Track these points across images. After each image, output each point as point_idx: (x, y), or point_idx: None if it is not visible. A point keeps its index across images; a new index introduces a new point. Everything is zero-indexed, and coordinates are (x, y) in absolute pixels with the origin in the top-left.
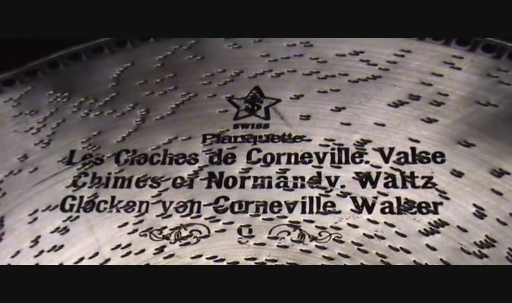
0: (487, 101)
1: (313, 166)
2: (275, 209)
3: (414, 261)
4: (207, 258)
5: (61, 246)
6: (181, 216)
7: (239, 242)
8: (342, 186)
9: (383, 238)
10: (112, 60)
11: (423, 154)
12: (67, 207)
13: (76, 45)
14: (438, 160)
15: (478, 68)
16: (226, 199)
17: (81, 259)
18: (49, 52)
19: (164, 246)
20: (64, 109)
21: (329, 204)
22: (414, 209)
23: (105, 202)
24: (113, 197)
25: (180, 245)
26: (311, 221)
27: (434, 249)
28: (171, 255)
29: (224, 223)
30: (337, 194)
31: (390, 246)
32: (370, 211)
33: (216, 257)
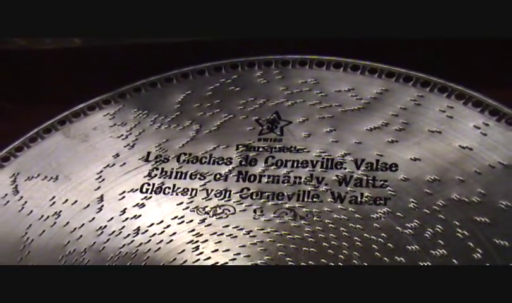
0: (435, 130)
1: (308, 170)
2: (280, 198)
3: (366, 236)
4: (232, 227)
5: (139, 215)
6: (218, 200)
7: (254, 218)
8: (326, 184)
9: (348, 220)
10: (178, 88)
11: (383, 165)
12: (144, 190)
13: (153, 75)
14: (393, 169)
15: (432, 104)
16: (248, 189)
17: (152, 224)
18: (135, 80)
19: (205, 218)
20: (144, 122)
21: (315, 196)
22: (371, 202)
23: (169, 188)
24: (174, 185)
25: (216, 219)
26: (303, 207)
27: (380, 229)
28: (209, 225)
29: (245, 206)
30: (322, 190)
31: (351, 225)
32: (342, 201)
33: (238, 227)
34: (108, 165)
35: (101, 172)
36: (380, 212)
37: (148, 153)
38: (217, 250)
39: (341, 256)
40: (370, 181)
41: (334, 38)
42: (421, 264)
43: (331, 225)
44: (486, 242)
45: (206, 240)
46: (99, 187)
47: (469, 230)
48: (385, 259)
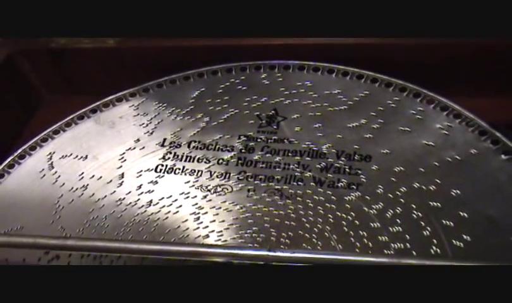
0: (406, 129)
1: (296, 158)
2: (270, 180)
3: (338, 214)
4: (229, 203)
5: (153, 190)
6: (219, 180)
7: (247, 196)
8: (310, 170)
9: (325, 200)
10: (194, 85)
11: (360, 156)
12: (158, 170)
13: (174, 73)
14: (367, 160)
15: (406, 107)
16: (245, 172)
17: (162, 198)
18: (158, 77)
19: (207, 195)
20: (162, 114)
21: (300, 179)
22: (346, 186)
23: (179, 169)
24: (183, 166)
25: (216, 195)
26: (289, 189)
27: (350, 209)
28: (210, 200)
29: (241, 186)
30: (306, 175)
31: (327, 205)
32: (321, 185)
33: (233, 203)
34: (130, 148)
35: (123, 153)
36: (352, 195)
37: (164, 140)
38: (214, 220)
39: (315, 229)
40: (347, 169)
41: (329, 44)
42: (380, 238)
43: (310, 204)
44: (435, 222)
45: (206, 212)
46: (121, 166)
47: (422, 212)
48: (351, 232)
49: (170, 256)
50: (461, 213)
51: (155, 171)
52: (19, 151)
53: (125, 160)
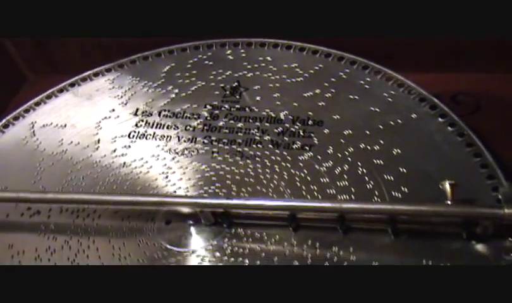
0: (355, 97)
1: (257, 124)
2: (233, 143)
3: (292, 172)
4: (195, 163)
5: (126, 154)
6: (186, 144)
7: (212, 157)
8: (268, 134)
9: (281, 160)
10: (165, 61)
11: (313, 121)
12: (131, 136)
13: (148, 50)
14: (320, 124)
15: (356, 78)
16: (210, 137)
17: (134, 160)
18: (131, 54)
19: (175, 157)
20: (136, 86)
21: (259, 142)
22: (299, 147)
23: (150, 135)
24: (154, 132)
25: (183, 157)
26: (249, 151)
27: (303, 167)
28: (178, 161)
29: (206, 149)
30: (265, 139)
31: (283, 164)
32: (278, 147)
33: (199, 163)
34: (105, 117)
35: (99, 122)
36: (305, 155)
37: (137, 109)
38: (181, 179)
39: (271, 185)
40: (301, 133)
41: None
42: (328, 191)
43: (268, 164)
44: (378, 177)
45: (174, 172)
46: (97, 133)
47: (367, 168)
48: (303, 187)
49: (139, 206)
50: (401, 169)
51: (129, 137)
52: (4, 121)
53: (101, 128)
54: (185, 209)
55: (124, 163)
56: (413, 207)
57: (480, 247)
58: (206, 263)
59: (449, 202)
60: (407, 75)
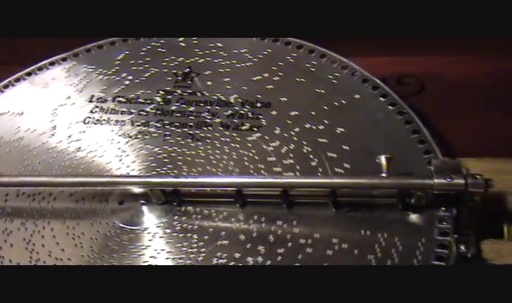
0: (301, 79)
1: (207, 107)
2: (184, 126)
3: (240, 151)
4: (148, 146)
5: (81, 139)
6: (140, 128)
7: (164, 140)
8: (219, 117)
9: (230, 141)
10: (119, 49)
11: (261, 104)
12: (86, 121)
13: (101, 39)
14: (268, 106)
15: (302, 61)
16: (162, 121)
17: (89, 145)
18: (86, 43)
19: (128, 141)
20: (91, 74)
21: (209, 125)
22: (248, 129)
23: (105, 120)
24: (109, 118)
25: (137, 141)
26: (200, 133)
27: (251, 147)
28: (132, 145)
29: (158, 132)
30: (215, 121)
31: (232, 144)
32: (227, 129)
33: (152, 146)
34: (61, 104)
35: (56, 109)
36: (253, 136)
37: (92, 96)
38: (134, 161)
39: (220, 165)
40: (250, 115)
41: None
42: (274, 168)
43: (218, 145)
44: (322, 154)
45: (128, 155)
46: (53, 120)
47: (312, 147)
48: (251, 166)
49: (90, 186)
50: (344, 147)
51: (84, 123)
52: None
53: (57, 115)
54: (136, 189)
55: (79, 147)
56: (351, 180)
57: (414, 217)
58: (157, 239)
59: (384, 175)
60: (356, 59)
